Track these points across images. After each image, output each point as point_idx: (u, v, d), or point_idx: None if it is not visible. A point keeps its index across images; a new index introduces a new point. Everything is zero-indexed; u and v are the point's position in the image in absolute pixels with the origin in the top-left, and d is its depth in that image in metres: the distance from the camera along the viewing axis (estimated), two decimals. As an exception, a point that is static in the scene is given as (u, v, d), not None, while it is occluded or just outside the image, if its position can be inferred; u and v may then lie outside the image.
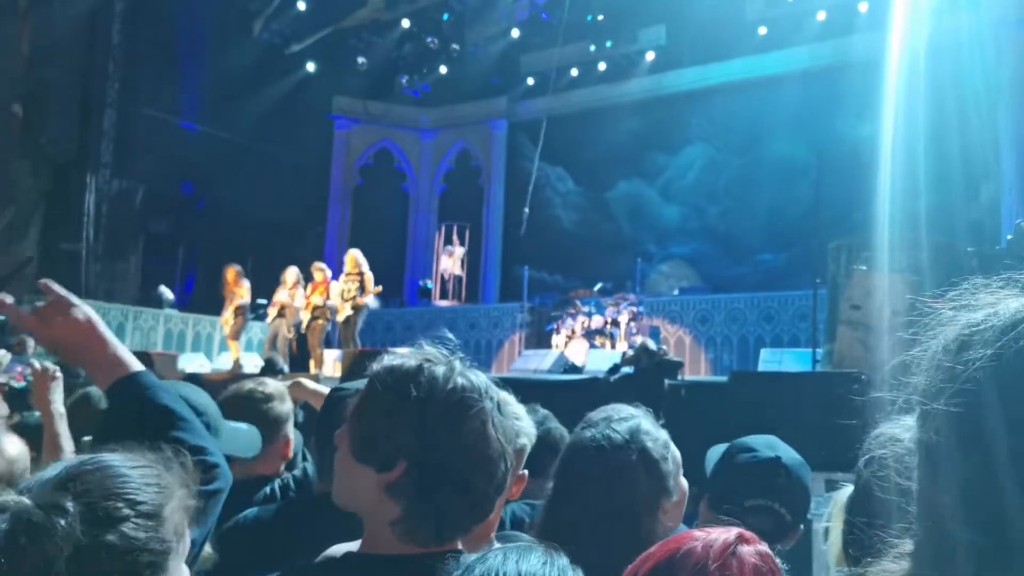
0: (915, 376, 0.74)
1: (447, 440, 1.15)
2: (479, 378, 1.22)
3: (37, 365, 2.39)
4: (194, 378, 10.20)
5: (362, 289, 10.54)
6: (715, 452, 1.94)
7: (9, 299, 1.43)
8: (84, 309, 1.42)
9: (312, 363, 10.93)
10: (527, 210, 14.21)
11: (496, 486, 1.19)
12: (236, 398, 2.29)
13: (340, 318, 10.68)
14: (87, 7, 15.43)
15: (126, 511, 0.95)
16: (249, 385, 2.36)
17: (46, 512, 0.91)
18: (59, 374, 2.38)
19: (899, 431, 1.48)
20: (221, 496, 1.41)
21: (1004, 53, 12.94)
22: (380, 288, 10.68)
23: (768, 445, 1.83)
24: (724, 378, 6.10)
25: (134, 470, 1.00)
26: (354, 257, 10.77)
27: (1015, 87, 12.83)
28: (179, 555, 1.02)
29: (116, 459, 1.00)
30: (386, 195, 19.15)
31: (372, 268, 11.03)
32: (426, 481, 1.16)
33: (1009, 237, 11.49)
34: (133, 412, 1.37)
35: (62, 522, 0.90)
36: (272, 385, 2.38)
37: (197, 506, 1.06)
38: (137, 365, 1.42)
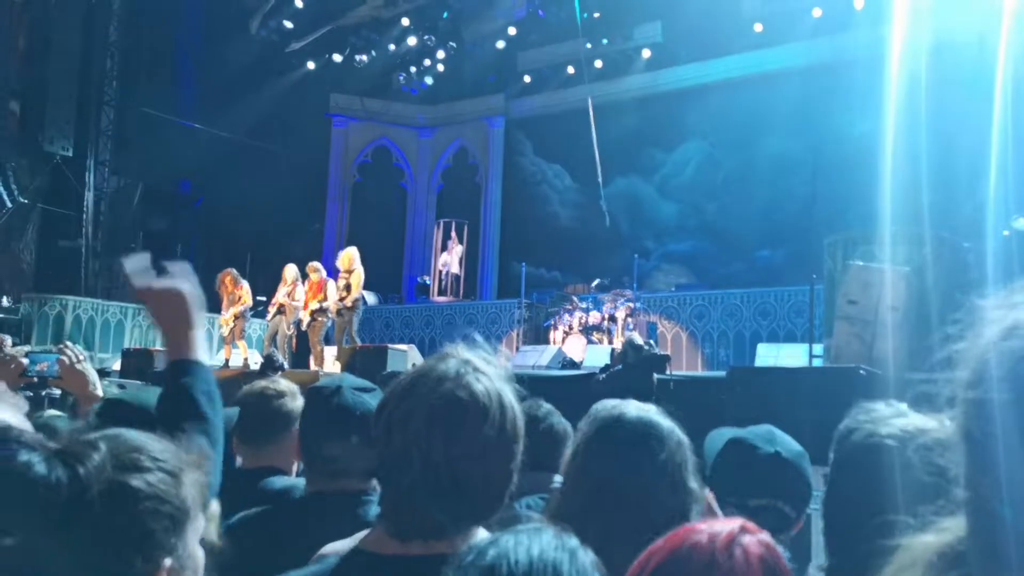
0: (959, 370, 0.78)
1: (434, 442, 1.13)
2: (483, 383, 1.19)
3: (69, 353, 2.45)
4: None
5: (348, 289, 10.53)
6: (716, 438, 1.92)
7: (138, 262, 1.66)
8: (190, 290, 1.59)
9: (311, 360, 10.92)
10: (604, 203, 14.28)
11: (496, 486, 1.17)
12: (250, 395, 2.40)
13: (330, 317, 10.71)
14: (85, 5, 15.39)
15: (149, 463, 1.02)
16: (262, 383, 2.44)
17: (81, 449, 0.99)
18: (85, 353, 2.50)
19: (867, 423, 1.49)
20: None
21: (1000, 50, 12.93)
22: (357, 295, 10.60)
23: (767, 439, 1.82)
24: (722, 373, 6.10)
25: (154, 442, 1.07)
26: (347, 256, 10.76)
27: (1009, 83, 12.83)
28: (195, 527, 1.05)
29: (135, 432, 1.07)
30: (384, 192, 19.13)
31: (370, 264, 11.02)
32: (409, 481, 1.14)
33: (1006, 233, 11.50)
34: (171, 391, 1.53)
35: (95, 457, 0.98)
36: (284, 383, 2.45)
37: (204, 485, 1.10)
38: (200, 355, 1.57)
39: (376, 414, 1.21)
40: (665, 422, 1.53)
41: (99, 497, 0.96)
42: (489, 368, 1.23)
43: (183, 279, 1.62)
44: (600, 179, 15.07)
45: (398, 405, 1.17)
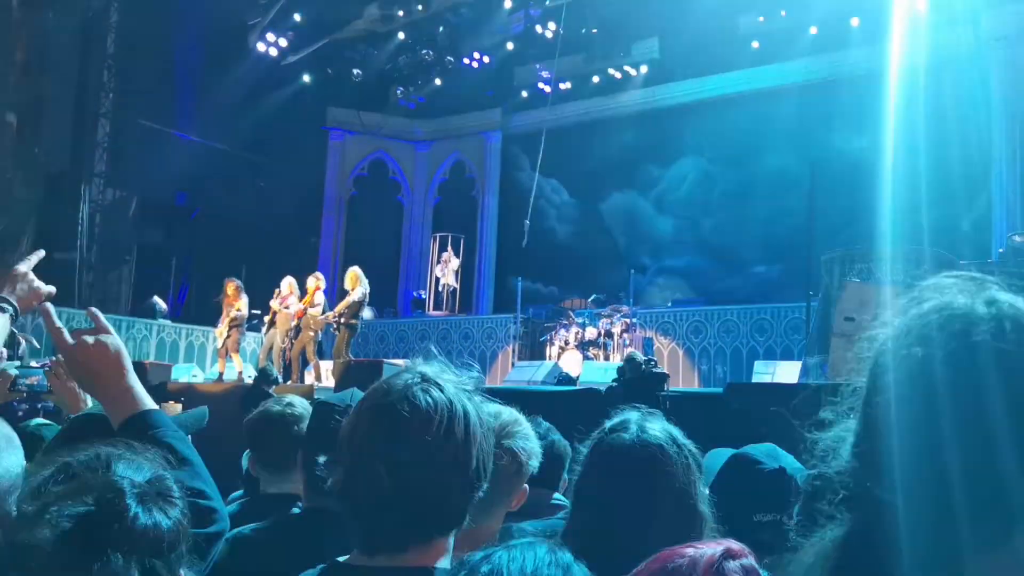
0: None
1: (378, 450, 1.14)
2: (432, 394, 1.18)
3: (60, 369, 2.43)
4: (187, 388, 10.16)
5: (351, 305, 10.57)
6: (714, 457, 1.92)
7: (52, 314, 1.54)
8: (116, 341, 1.51)
9: (295, 375, 10.90)
10: (528, 222, 14.29)
11: (453, 495, 1.16)
12: (268, 421, 2.35)
13: (315, 330, 10.78)
14: (82, 17, 15.44)
15: (178, 500, 1.09)
16: (277, 408, 2.39)
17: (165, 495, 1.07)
18: None
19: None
20: (219, 539, 1.43)
21: (997, 69, 13.04)
22: (329, 316, 10.69)
23: (770, 455, 1.82)
24: (719, 389, 6.10)
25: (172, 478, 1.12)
26: (352, 275, 10.81)
27: (1006, 102, 12.92)
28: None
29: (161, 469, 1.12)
30: (381, 206, 19.15)
31: (367, 278, 11.03)
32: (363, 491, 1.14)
33: (1001, 250, 11.55)
34: None
35: (179, 503, 1.08)
36: (300, 405, 2.41)
37: (196, 546, 1.11)
38: (150, 403, 1.47)
39: (342, 432, 1.21)
40: (673, 446, 1.54)
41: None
42: (449, 380, 1.21)
43: (99, 327, 1.51)
44: (530, 205, 14.88)
45: (349, 421, 1.19)
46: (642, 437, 1.53)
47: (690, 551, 0.91)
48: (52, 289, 1.67)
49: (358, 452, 1.14)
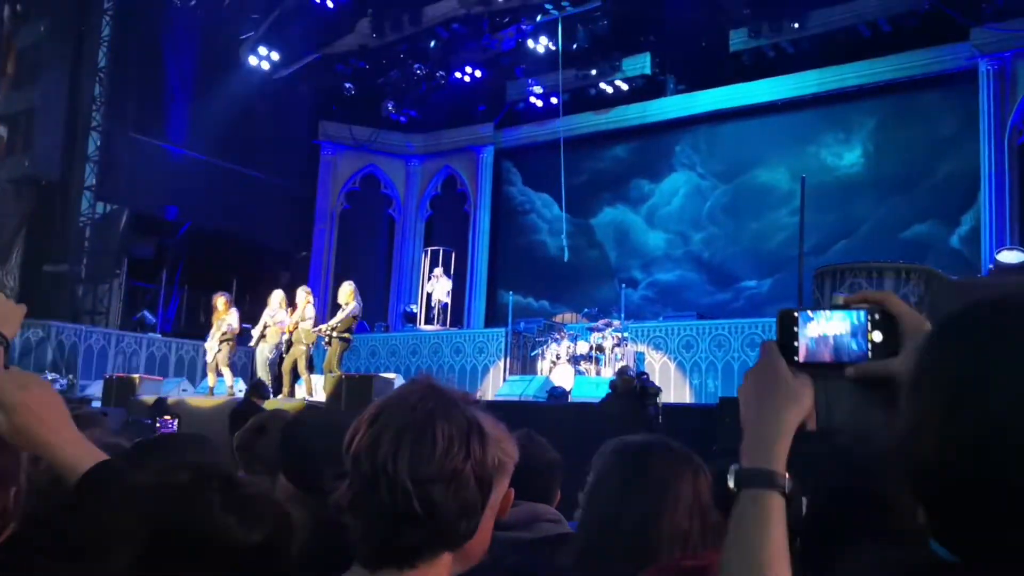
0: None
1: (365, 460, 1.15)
2: (452, 410, 1.20)
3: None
4: (178, 404, 10.11)
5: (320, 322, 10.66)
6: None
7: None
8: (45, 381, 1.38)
9: (286, 389, 10.87)
10: (564, 237, 14.61)
11: (469, 511, 1.17)
12: (255, 429, 2.36)
13: (307, 344, 10.80)
14: (74, 30, 15.45)
15: None
16: (253, 426, 2.40)
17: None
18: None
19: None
20: None
21: (985, 83, 13.16)
22: (322, 328, 10.79)
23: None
24: (712, 403, 6.12)
25: None
26: (346, 290, 10.83)
27: (995, 116, 13.04)
28: None
29: None
30: (372, 220, 19.15)
31: (359, 292, 11.03)
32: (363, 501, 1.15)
33: (990, 267, 11.63)
34: None
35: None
36: (273, 423, 2.41)
37: None
38: (99, 453, 1.36)
39: (345, 446, 1.20)
40: (680, 452, 1.60)
41: None
42: (459, 396, 1.23)
43: (20, 376, 1.36)
44: (564, 211, 15.07)
45: (366, 432, 1.18)
46: (660, 438, 1.59)
47: (693, 561, 0.94)
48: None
49: (380, 467, 1.14)
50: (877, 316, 0.97)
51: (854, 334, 0.97)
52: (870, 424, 1.03)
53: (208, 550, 1.18)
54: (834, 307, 0.99)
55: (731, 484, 0.93)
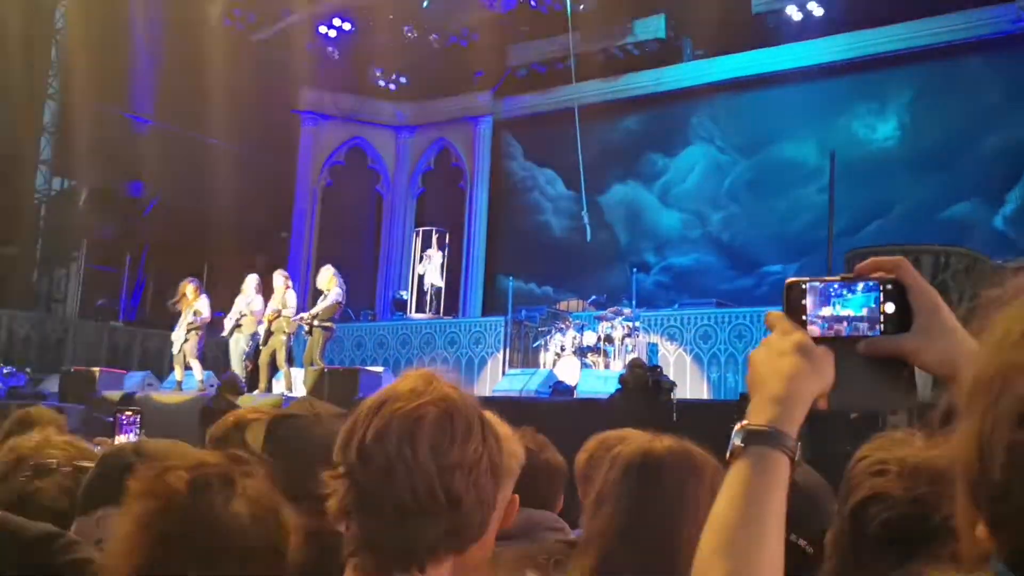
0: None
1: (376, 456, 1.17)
2: (459, 396, 1.24)
3: None
4: (144, 400, 10.10)
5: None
6: None
7: None
8: None
9: (262, 383, 10.86)
10: (585, 213, 14.60)
11: (485, 505, 1.20)
12: (231, 428, 2.30)
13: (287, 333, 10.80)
14: (27, -13, 15.33)
15: None
16: (232, 420, 2.33)
17: None
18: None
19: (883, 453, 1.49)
20: None
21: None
22: (304, 317, 10.82)
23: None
24: (732, 399, 6.10)
25: None
26: (328, 275, 10.83)
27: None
28: None
29: None
30: (358, 197, 19.10)
31: (342, 276, 11.02)
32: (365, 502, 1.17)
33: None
34: None
35: None
36: (255, 414, 2.35)
37: None
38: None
39: (342, 445, 1.21)
40: (698, 452, 1.63)
41: None
42: (463, 388, 1.27)
43: None
44: (584, 189, 15.12)
45: (370, 425, 1.19)
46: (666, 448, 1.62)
47: None
48: None
49: (396, 455, 1.15)
50: (889, 287, 0.99)
51: (865, 306, 0.99)
52: (881, 404, 1.09)
53: (208, 551, 1.22)
54: (844, 278, 1.01)
55: (736, 441, 0.94)
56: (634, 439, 1.68)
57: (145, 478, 1.28)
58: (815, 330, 1.00)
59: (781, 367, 0.97)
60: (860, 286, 1.00)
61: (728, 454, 0.95)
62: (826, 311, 1.00)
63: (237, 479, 1.27)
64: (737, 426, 0.96)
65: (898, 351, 0.97)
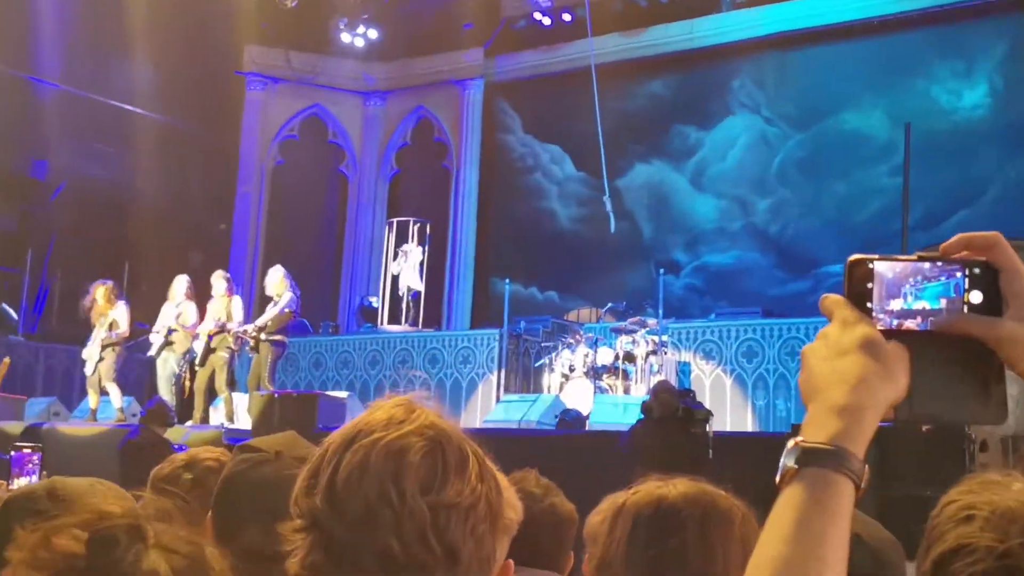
0: None
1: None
2: (446, 424, 1.24)
3: None
4: (50, 434, 10.08)
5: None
6: None
7: None
8: None
9: (198, 412, 10.85)
10: (607, 198, 14.61)
11: (485, 551, 1.20)
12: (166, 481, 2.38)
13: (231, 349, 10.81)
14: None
15: None
16: (182, 459, 2.45)
17: None
18: None
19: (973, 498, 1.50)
20: None
21: None
22: (248, 330, 10.87)
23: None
24: (784, 432, 6.10)
25: None
26: (278, 278, 10.84)
27: None
28: None
29: None
30: (316, 180, 19.11)
31: (296, 280, 11.02)
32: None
33: None
34: None
35: None
36: (210, 455, 2.48)
37: None
38: None
39: (304, 489, 1.21)
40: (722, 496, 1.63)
41: None
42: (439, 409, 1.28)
43: None
44: (604, 169, 15.13)
45: (340, 460, 1.19)
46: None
47: None
48: None
49: (379, 495, 1.15)
50: (977, 271, 0.98)
51: (943, 295, 0.99)
52: (963, 416, 1.04)
53: None
54: (921, 258, 1.01)
55: (788, 462, 0.94)
56: (642, 487, 1.68)
57: (28, 544, 1.26)
58: (881, 321, 1.00)
59: (845, 368, 0.96)
60: (945, 268, 1.00)
61: (778, 478, 0.94)
62: (895, 303, 1.00)
63: (148, 528, 1.26)
64: (790, 443, 0.95)
65: (989, 334, 0.95)
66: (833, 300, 1.02)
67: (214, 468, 2.37)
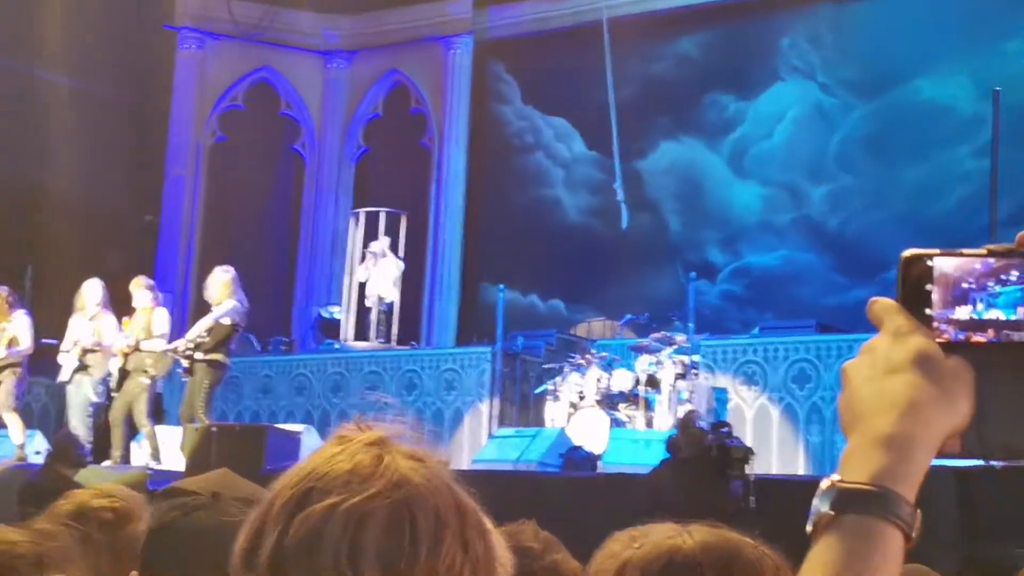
0: None
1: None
2: (422, 471, 1.24)
3: None
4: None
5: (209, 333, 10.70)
6: None
7: None
8: None
9: (116, 449, 10.85)
10: (618, 188, 14.59)
11: None
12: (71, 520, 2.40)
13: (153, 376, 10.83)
14: None
15: None
16: (85, 499, 2.47)
17: None
18: None
19: None
20: None
21: None
22: (178, 347, 10.91)
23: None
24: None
25: None
26: (222, 283, 10.85)
27: None
28: None
29: None
30: (265, 160, 19.11)
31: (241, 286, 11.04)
32: None
33: None
34: None
35: None
36: (128, 499, 2.49)
37: None
38: None
39: (244, 554, 1.21)
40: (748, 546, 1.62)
41: None
42: (420, 450, 1.26)
43: None
44: (616, 149, 15.13)
45: (288, 526, 1.18)
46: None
47: None
48: None
49: (334, 571, 1.15)
50: None
51: (1021, 303, 0.98)
52: None
53: None
54: (992, 253, 1.00)
55: (821, 506, 0.94)
56: (652, 535, 1.67)
57: None
58: (944, 332, 0.99)
59: (893, 390, 0.96)
60: (1018, 268, 0.99)
61: (810, 526, 0.95)
62: (961, 311, 0.99)
63: (49, 564, 1.29)
64: (825, 483, 0.95)
65: None
66: (883, 305, 1.03)
67: (108, 522, 2.38)
